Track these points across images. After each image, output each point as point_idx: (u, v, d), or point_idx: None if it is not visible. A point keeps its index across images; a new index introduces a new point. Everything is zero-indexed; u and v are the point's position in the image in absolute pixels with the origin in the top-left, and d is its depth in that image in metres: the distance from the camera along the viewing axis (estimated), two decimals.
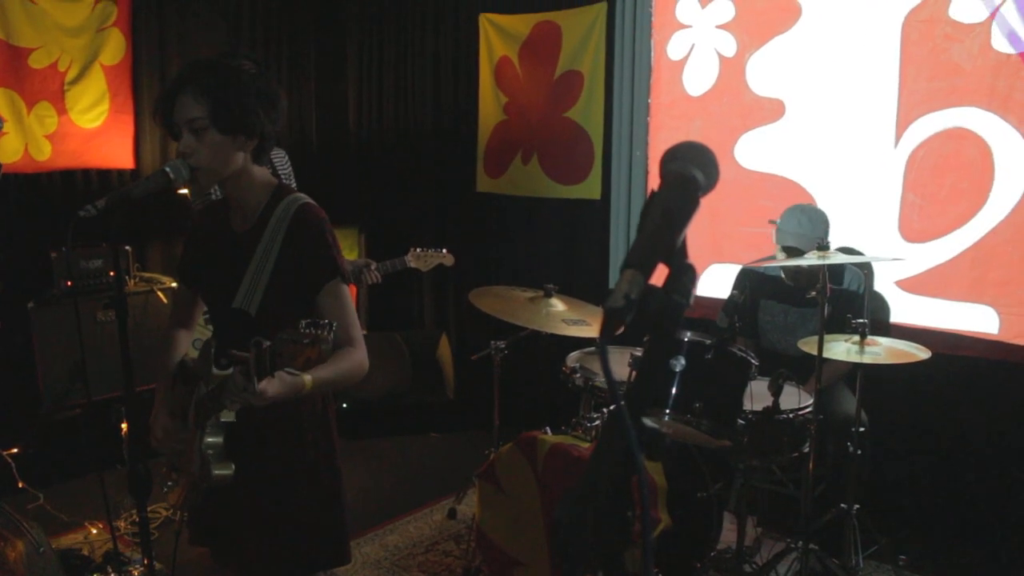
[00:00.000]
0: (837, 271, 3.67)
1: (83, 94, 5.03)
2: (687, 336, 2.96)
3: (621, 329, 0.87)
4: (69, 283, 4.49)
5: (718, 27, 4.53)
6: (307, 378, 1.98)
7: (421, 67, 6.03)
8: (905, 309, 3.99)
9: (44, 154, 4.89)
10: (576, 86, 5.15)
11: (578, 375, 3.49)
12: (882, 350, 3.24)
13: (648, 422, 3.00)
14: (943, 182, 3.89)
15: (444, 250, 4.44)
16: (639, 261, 0.88)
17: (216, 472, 2.01)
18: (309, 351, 1.69)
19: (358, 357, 2.15)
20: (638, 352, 3.14)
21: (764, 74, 4.39)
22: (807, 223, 3.58)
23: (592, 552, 0.83)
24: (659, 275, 0.93)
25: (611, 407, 3.16)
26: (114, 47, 5.15)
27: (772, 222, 3.72)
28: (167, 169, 2.01)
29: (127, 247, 4.73)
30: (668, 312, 0.88)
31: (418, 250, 4.36)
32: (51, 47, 4.87)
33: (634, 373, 3.07)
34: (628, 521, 0.84)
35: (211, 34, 5.57)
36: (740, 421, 3.10)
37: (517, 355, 4.00)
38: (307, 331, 1.69)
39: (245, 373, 1.78)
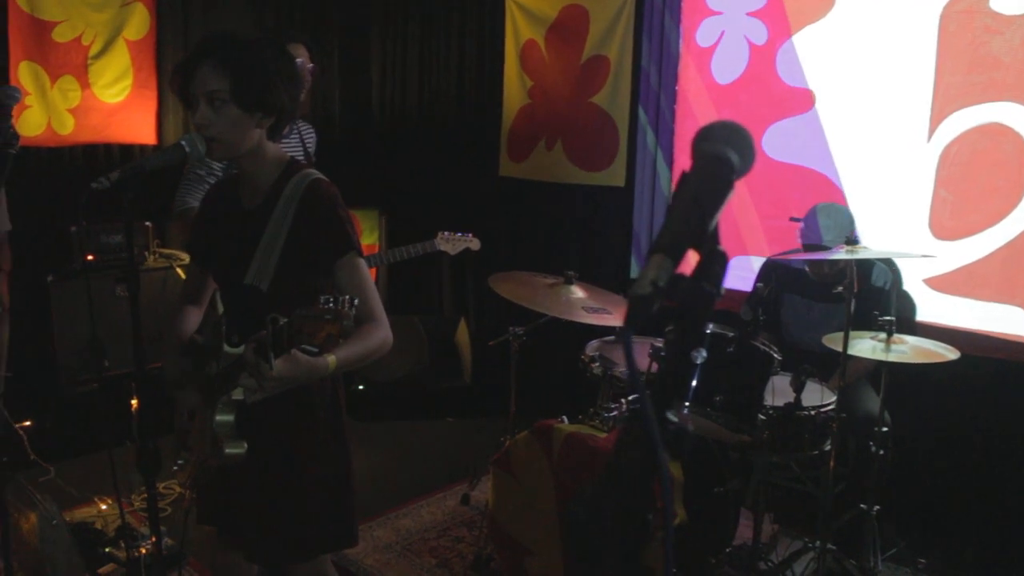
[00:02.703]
0: (865, 267, 3.59)
1: (106, 68, 5.01)
2: (709, 328, 2.91)
3: (647, 318, 0.82)
4: (89, 257, 4.49)
5: (749, 14, 4.44)
6: (331, 359, 1.94)
7: (446, 49, 5.98)
8: (933, 308, 3.91)
9: (67, 128, 4.88)
10: (602, 71, 5.07)
11: (597, 364, 3.44)
12: (908, 349, 3.17)
13: (671, 417, 2.95)
14: (976, 179, 3.80)
15: (470, 234, 4.41)
16: (668, 246, 0.83)
17: (228, 450, 1.98)
18: (330, 327, 1.65)
19: (381, 334, 2.12)
20: (659, 343, 3.09)
21: (795, 63, 4.31)
22: (831, 223, 3.50)
23: (608, 553, 0.79)
24: (688, 263, 0.88)
25: (633, 400, 3.12)
26: (138, 22, 5.12)
27: (794, 219, 3.65)
28: (183, 142, 1.98)
29: (147, 223, 4.72)
30: (697, 302, 0.83)
31: (446, 233, 4.33)
32: (75, 21, 4.85)
33: (655, 365, 3.02)
34: (647, 522, 0.79)
35: (235, 10, 5.53)
36: (760, 416, 3.05)
37: (535, 342, 3.95)
38: (327, 307, 1.65)
39: (259, 351, 1.74)
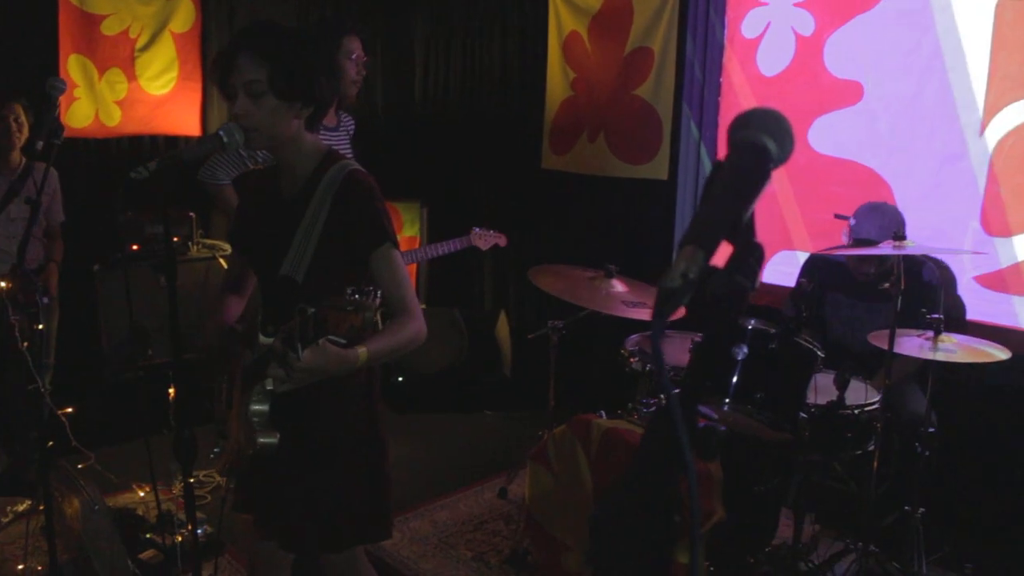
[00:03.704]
0: (914, 264, 3.51)
1: (152, 61, 5.07)
2: (751, 324, 2.86)
3: (677, 311, 0.80)
4: (135, 247, 4.55)
5: (796, 5, 4.36)
6: (361, 350, 1.93)
7: (489, 41, 5.95)
8: (984, 306, 3.81)
9: (114, 120, 4.95)
10: (646, 63, 5.02)
11: (636, 359, 3.40)
12: (957, 348, 3.08)
13: (705, 413, 2.90)
14: None
15: (500, 233, 4.43)
16: (700, 237, 0.79)
17: (261, 440, 1.98)
18: (352, 318, 1.65)
19: (415, 326, 2.10)
20: (699, 338, 3.04)
21: (843, 55, 4.22)
22: (881, 223, 3.41)
23: (631, 556, 0.76)
24: (720, 255, 0.85)
25: (662, 398, 3.08)
26: (184, 15, 5.18)
27: (840, 216, 3.57)
28: (220, 133, 1.99)
29: (191, 213, 4.77)
30: (730, 295, 0.80)
31: (478, 229, 4.35)
32: (123, 14, 4.92)
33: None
34: (674, 525, 0.77)
35: (279, 3, 5.57)
36: (802, 414, 2.99)
37: (575, 336, 3.93)
38: (351, 298, 1.65)
39: (287, 340, 1.74)
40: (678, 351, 3.32)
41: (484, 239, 4.34)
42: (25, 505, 3.78)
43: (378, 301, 1.67)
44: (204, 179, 3.31)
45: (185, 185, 3.10)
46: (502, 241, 4.41)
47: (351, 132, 3.71)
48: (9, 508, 3.76)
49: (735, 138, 0.90)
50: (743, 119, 0.91)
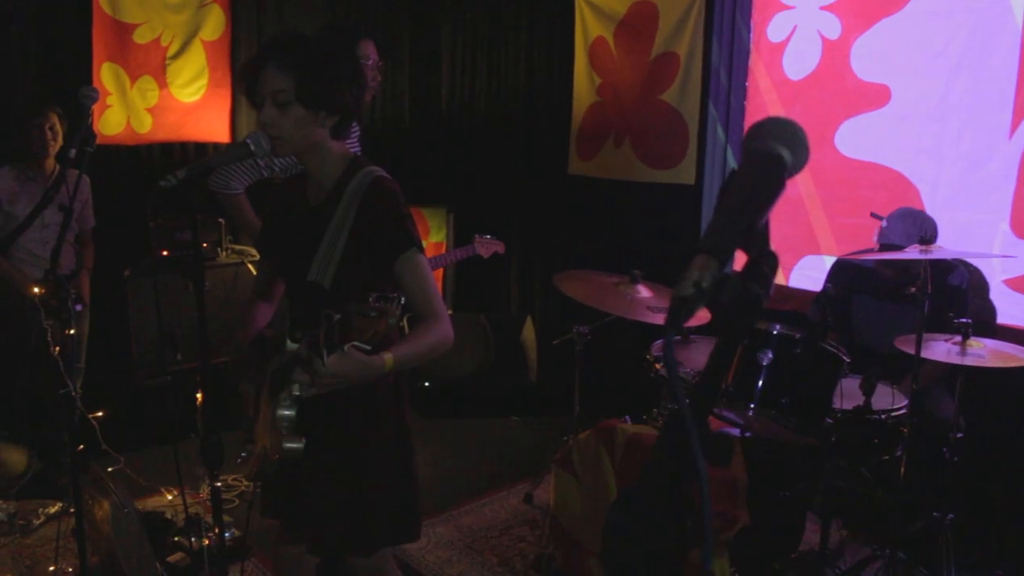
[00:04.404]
0: (943, 267, 3.48)
1: (183, 69, 5.13)
2: (776, 329, 2.85)
3: (698, 317, 0.80)
4: (164, 253, 4.61)
5: (822, 8, 4.34)
6: (387, 357, 1.95)
7: (515, 46, 5.97)
8: (1014, 310, 3.76)
9: (145, 127, 5.02)
10: (672, 68, 5.01)
11: (661, 364, 3.40)
12: (986, 352, 3.05)
13: (730, 419, 2.90)
14: None
15: (498, 239, 4.49)
16: (713, 246, 0.80)
17: (287, 445, 2.00)
18: (377, 324, 1.67)
19: (442, 331, 2.12)
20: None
21: (869, 58, 4.19)
22: (913, 230, 3.38)
23: (643, 563, 0.77)
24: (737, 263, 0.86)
25: (674, 405, 3.07)
26: (214, 23, 5.24)
27: (876, 216, 3.55)
28: (248, 141, 2.02)
29: (220, 219, 4.83)
30: (744, 303, 0.81)
31: (479, 236, 4.40)
32: (154, 23, 4.98)
33: None
34: (685, 529, 0.77)
35: (309, 11, 5.61)
36: (828, 419, 2.97)
37: (601, 341, 3.93)
38: (375, 304, 1.67)
39: (313, 346, 1.76)
40: (702, 356, 3.32)
41: (486, 246, 4.40)
42: (56, 507, 3.85)
43: (401, 308, 1.69)
44: (216, 188, 3.28)
45: (212, 193, 3.15)
46: (501, 248, 4.47)
47: (358, 135, 3.70)
48: (41, 510, 3.83)
49: (750, 147, 0.91)
50: (758, 128, 0.92)
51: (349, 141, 3.50)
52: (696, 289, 0.77)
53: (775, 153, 0.89)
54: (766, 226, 0.87)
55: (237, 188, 3.28)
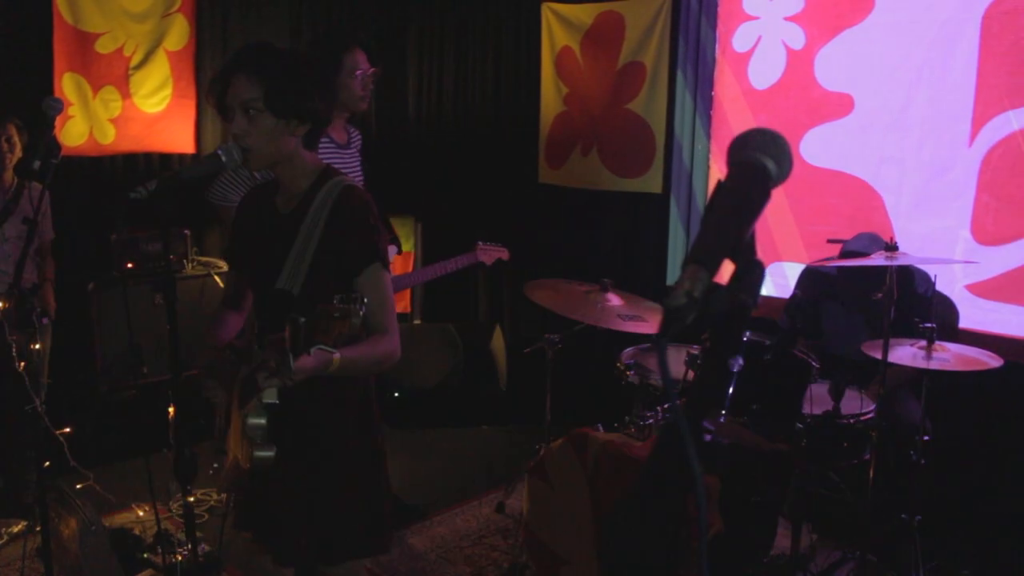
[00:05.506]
0: (907, 274, 3.53)
1: (147, 79, 5.07)
2: (745, 336, 2.88)
3: (681, 329, 0.81)
4: (129, 265, 4.54)
5: (786, 19, 4.40)
6: (336, 356, 1.95)
7: (482, 56, 5.98)
8: (976, 314, 3.83)
9: (108, 138, 4.95)
10: (639, 77, 5.05)
11: (632, 372, 3.42)
12: (951, 356, 3.11)
13: (707, 427, 2.91)
14: (1020, 183, 3.72)
15: (502, 246, 4.41)
16: (703, 256, 0.81)
17: (257, 454, 1.98)
18: (340, 325, 1.70)
19: (389, 345, 2.14)
20: (695, 350, 3.06)
21: (833, 68, 4.26)
22: (874, 246, 3.43)
23: (642, 565, 0.77)
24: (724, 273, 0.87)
25: (668, 413, 3.09)
26: (178, 33, 5.19)
27: (834, 241, 3.60)
28: (219, 152, 2.01)
29: (185, 231, 4.77)
30: (733, 313, 0.82)
31: (481, 244, 4.33)
32: (117, 32, 4.93)
33: (691, 373, 3.00)
34: (680, 536, 0.78)
35: (274, 22, 5.58)
36: (798, 424, 3.00)
37: (571, 349, 3.94)
38: (339, 305, 1.69)
39: (281, 350, 1.76)
40: (672, 362, 3.34)
41: (488, 253, 4.33)
42: (21, 526, 3.77)
43: (363, 309, 1.73)
44: (215, 200, 3.27)
45: (182, 205, 3.10)
46: (504, 255, 4.40)
47: (359, 146, 3.66)
48: (4, 530, 3.75)
49: (735, 159, 0.92)
50: (742, 140, 0.93)
51: (351, 149, 3.47)
52: (688, 299, 0.78)
53: (760, 164, 0.90)
54: (753, 236, 0.88)
55: (235, 200, 3.25)
